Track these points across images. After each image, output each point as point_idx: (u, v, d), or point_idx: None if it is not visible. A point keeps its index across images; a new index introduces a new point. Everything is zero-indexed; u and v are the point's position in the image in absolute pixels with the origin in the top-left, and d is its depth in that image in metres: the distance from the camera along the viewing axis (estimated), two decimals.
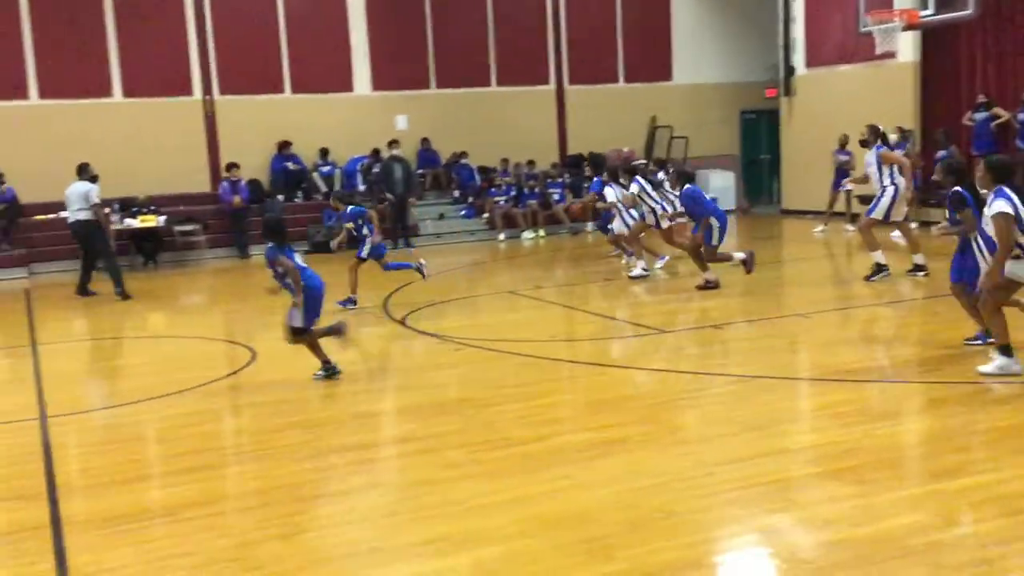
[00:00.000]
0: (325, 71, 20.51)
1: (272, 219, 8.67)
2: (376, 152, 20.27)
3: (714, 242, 11.73)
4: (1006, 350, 7.12)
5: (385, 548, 4.72)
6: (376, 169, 19.78)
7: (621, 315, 11.14)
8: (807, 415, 6.95)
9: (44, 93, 18.47)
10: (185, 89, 19.53)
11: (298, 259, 7.94)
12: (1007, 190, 6.91)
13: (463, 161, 21.37)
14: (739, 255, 12.03)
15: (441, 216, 20.65)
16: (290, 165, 20.02)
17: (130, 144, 18.76)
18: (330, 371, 8.05)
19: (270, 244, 7.94)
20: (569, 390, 8.12)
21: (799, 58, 21.31)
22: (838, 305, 11.12)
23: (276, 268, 7.87)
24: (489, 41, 21.95)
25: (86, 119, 18.50)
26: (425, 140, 21.30)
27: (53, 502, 5.52)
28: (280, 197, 19.66)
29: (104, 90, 18.89)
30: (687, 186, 11.96)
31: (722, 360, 8.64)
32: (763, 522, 4.80)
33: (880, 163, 11.90)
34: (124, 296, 13.66)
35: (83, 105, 18.62)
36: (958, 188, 7.66)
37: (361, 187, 19.83)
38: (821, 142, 19.33)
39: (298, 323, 7.87)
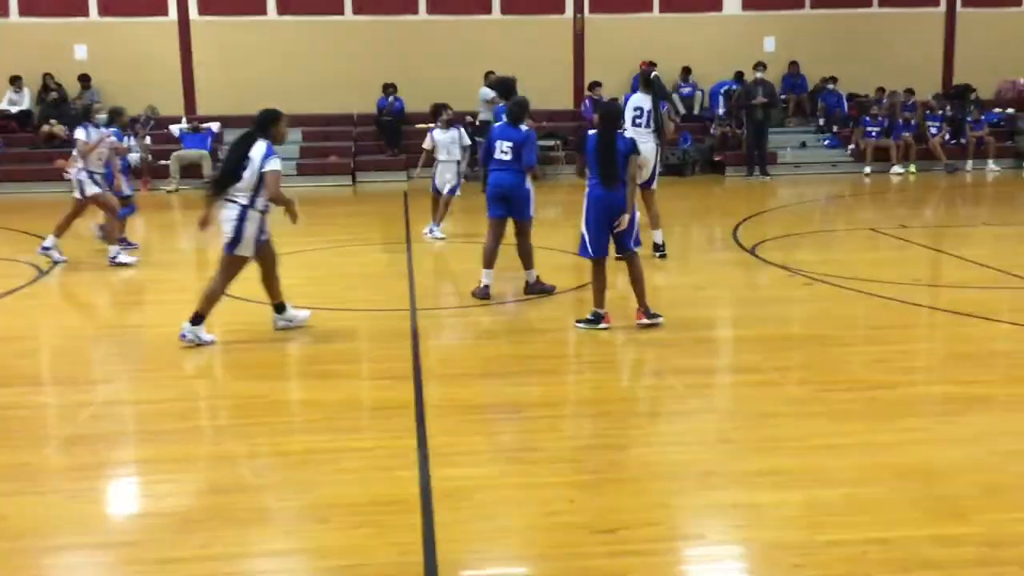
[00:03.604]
0: None
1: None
2: (739, 75, 19.69)
3: None
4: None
5: (718, 472, 4.71)
6: (736, 92, 19.24)
7: (1001, 263, 9.93)
8: None
9: (432, 8, 19.81)
10: (559, 7, 20.08)
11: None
12: None
13: (831, 87, 20.19)
14: None
15: (803, 145, 19.72)
16: None
17: (504, 60, 19.60)
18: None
19: None
20: (927, 338, 7.55)
21: None
22: None
23: None
24: None
25: (468, 34, 19.65)
26: (793, 64, 20.34)
27: (418, 386, 6.08)
28: None
29: (485, 7, 19.91)
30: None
31: None
32: None
33: None
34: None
35: (463, 21, 19.77)
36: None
37: (721, 111, 19.45)
38: None
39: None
